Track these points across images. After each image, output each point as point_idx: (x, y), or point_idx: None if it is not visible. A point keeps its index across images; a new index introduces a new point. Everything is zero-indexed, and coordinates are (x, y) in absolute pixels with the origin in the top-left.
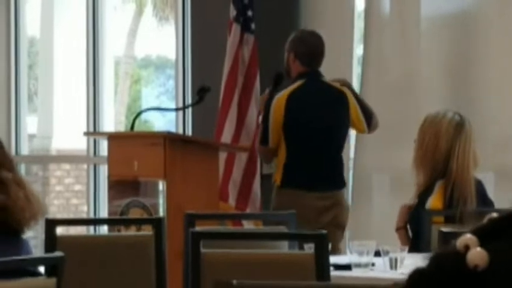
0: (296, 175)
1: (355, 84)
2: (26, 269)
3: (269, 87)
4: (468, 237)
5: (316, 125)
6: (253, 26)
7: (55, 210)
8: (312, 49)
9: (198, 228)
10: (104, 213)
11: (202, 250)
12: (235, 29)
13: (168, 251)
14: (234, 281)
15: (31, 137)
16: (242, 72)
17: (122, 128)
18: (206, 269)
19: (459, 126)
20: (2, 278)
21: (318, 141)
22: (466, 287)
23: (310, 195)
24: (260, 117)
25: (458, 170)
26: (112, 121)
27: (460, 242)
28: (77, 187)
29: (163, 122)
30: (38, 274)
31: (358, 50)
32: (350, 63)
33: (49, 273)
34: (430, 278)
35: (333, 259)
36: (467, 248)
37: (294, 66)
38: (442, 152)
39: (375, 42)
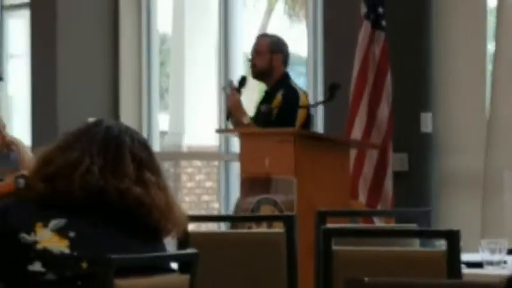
0: None
1: (488, 82)
2: (160, 266)
3: (231, 86)
4: None
5: None
6: (384, 23)
7: (186, 207)
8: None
9: (329, 225)
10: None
11: (334, 247)
12: (366, 26)
13: (299, 248)
14: (366, 279)
15: (162, 134)
16: (373, 69)
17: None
18: (337, 266)
19: None
20: (137, 274)
21: None
22: None
23: None
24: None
25: None
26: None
27: None
28: (208, 184)
29: None
30: (172, 271)
31: (490, 47)
32: (483, 60)
33: (182, 269)
34: None
35: (465, 257)
36: None
37: (279, 67)
38: None
39: (506, 39)
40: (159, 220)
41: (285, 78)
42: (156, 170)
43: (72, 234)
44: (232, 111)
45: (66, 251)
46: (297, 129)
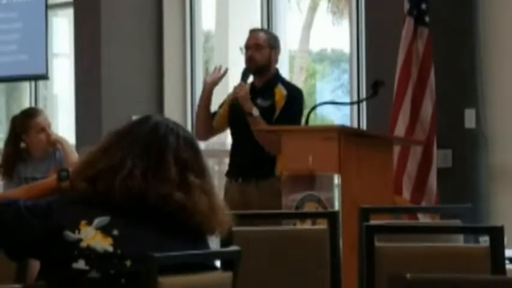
0: None
1: None
2: (203, 264)
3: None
4: None
5: None
6: (427, 18)
7: None
8: None
9: (372, 222)
10: None
11: (377, 244)
12: (409, 22)
13: (343, 244)
14: (408, 275)
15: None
16: (416, 65)
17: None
18: (380, 262)
19: None
20: (180, 272)
21: None
22: None
23: None
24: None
25: None
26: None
27: None
28: None
29: (339, 117)
30: (215, 269)
31: None
32: None
33: (225, 267)
34: None
35: (509, 252)
36: None
37: (274, 63)
38: None
39: None
40: (202, 223)
41: (279, 74)
42: (201, 172)
43: (115, 232)
44: (241, 102)
45: (110, 249)
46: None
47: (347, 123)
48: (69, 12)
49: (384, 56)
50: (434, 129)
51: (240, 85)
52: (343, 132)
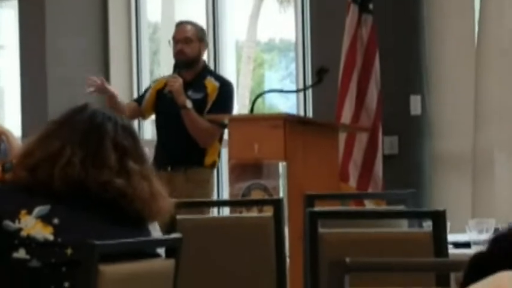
0: None
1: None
2: (145, 252)
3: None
4: None
5: None
6: (371, 6)
7: None
8: None
9: (315, 208)
10: (227, 196)
11: (320, 230)
12: (353, 9)
13: (290, 232)
14: (347, 259)
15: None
16: (361, 52)
17: (246, 111)
18: (324, 249)
19: None
20: (122, 259)
21: None
22: None
23: None
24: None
25: None
26: (235, 104)
27: None
28: None
29: (287, 106)
30: (157, 256)
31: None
32: (472, 42)
33: (168, 254)
34: (489, 259)
35: (453, 237)
36: None
37: (202, 57)
38: None
39: (490, 18)
40: (143, 209)
41: (207, 67)
42: (139, 158)
43: (56, 221)
44: (175, 95)
45: (50, 238)
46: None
47: (294, 112)
48: (15, 4)
49: (329, 44)
50: (380, 116)
51: (173, 77)
52: (288, 120)
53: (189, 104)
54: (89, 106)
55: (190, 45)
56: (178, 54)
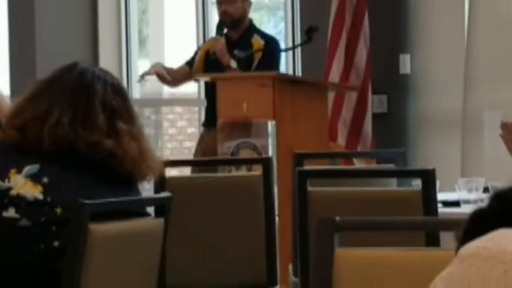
0: None
1: (466, 23)
2: (134, 211)
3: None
4: None
5: None
6: None
7: (168, 154)
8: None
9: (304, 167)
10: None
11: (309, 188)
12: None
13: (280, 190)
14: (338, 218)
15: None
16: (350, 11)
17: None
18: (313, 207)
19: None
20: (112, 219)
21: None
22: None
23: None
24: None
25: None
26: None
27: None
28: (190, 130)
29: None
30: (147, 215)
31: None
32: (461, 1)
33: (157, 214)
34: (489, 215)
35: (443, 196)
36: None
37: (247, 15)
38: None
39: None
40: (132, 169)
41: (254, 25)
42: (129, 118)
43: (45, 180)
44: (219, 56)
45: (40, 196)
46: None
47: (283, 71)
48: None
49: (318, 3)
50: (369, 75)
51: (216, 39)
52: (277, 79)
53: (233, 63)
54: (79, 65)
55: (234, 4)
56: (222, 15)
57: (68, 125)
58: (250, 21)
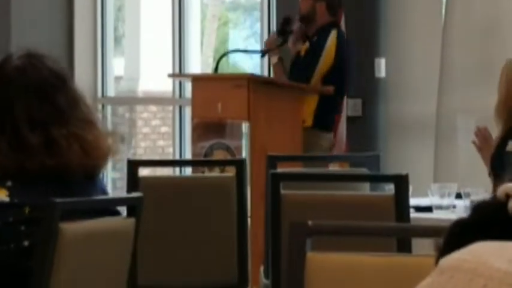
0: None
1: (441, 27)
2: (106, 209)
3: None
4: (509, 186)
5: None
6: None
7: (141, 152)
8: (338, 1)
9: (278, 170)
10: (190, 155)
11: (282, 191)
12: None
13: (253, 192)
14: (310, 222)
15: (118, 79)
16: None
17: (209, 70)
18: (286, 210)
19: None
20: (82, 217)
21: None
22: (507, 235)
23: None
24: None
25: None
26: (198, 63)
27: (500, 191)
28: (164, 129)
29: (251, 65)
30: (118, 214)
31: None
32: (438, 5)
33: (129, 213)
34: (470, 227)
35: (415, 201)
36: (508, 196)
37: (322, 15)
38: None
39: None
40: (85, 169)
41: (329, 27)
42: (62, 119)
43: (9, 183)
44: (268, 49)
45: (6, 199)
46: (316, 78)
47: (258, 72)
48: None
49: (294, 5)
50: None
51: (271, 34)
52: (252, 80)
53: (273, 59)
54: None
55: (304, 1)
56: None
57: (6, 150)
58: (331, 21)
